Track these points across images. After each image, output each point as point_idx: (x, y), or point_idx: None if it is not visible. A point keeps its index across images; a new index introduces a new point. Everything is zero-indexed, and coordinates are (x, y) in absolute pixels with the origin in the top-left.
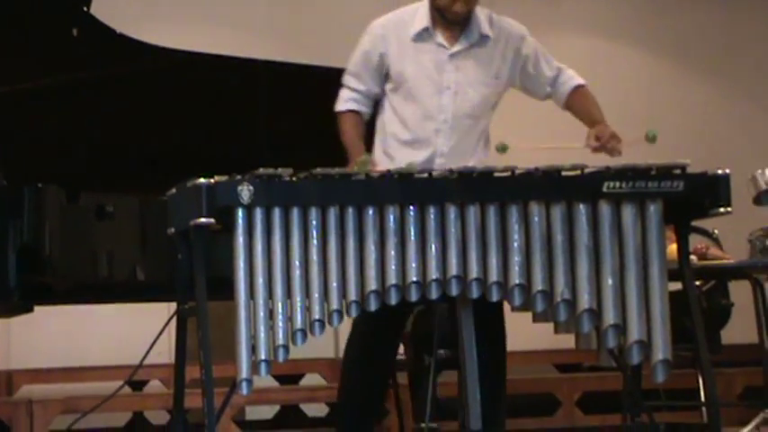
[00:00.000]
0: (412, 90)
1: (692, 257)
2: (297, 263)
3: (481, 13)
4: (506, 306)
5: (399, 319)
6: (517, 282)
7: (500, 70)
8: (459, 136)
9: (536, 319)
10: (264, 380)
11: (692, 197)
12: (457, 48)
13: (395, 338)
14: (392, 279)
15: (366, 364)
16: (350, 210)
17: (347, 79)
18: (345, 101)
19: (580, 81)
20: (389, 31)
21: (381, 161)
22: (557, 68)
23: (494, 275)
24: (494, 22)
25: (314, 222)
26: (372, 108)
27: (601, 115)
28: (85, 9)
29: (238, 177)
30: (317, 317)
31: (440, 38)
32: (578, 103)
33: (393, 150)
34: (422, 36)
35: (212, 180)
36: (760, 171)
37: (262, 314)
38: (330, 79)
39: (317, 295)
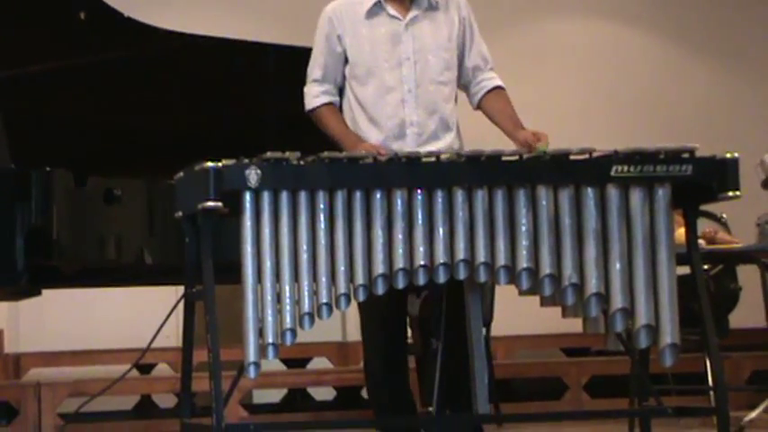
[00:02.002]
0: (371, 67)
1: (701, 241)
2: (304, 246)
3: None
4: (514, 290)
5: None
6: (525, 266)
7: (451, 35)
8: (426, 103)
9: (544, 303)
10: (272, 363)
11: (700, 181)
12: (410, 16)
13: (404, 318)
14: (400, 263)
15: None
16: (357, 193)
17: (313, 73)
18: (315, 96)
19: (502, 83)
20: (342, 12)
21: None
22: (487, 59)
23: (501, 259)
24: None
25: (321, 206)
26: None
27: (520, 121)
28: None
29: (246, 161)
30: (324, 300)
31: (391, 10)
32: (499, 106)
33: (363, 132)
34: (373, 12)
35: (220, 164)
36: None
37: (269, 298)
38: None
39: (324, 279)
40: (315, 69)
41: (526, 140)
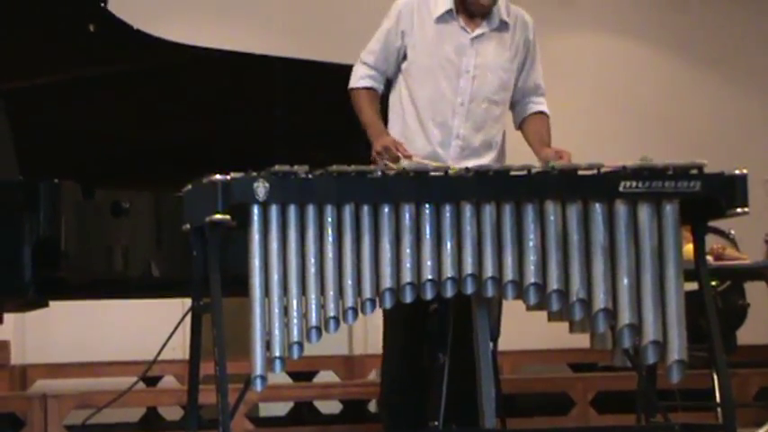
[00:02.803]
0: (431, 71)
1: (709, 258)
2: (312, 260)
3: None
4: (521, 305)
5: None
6: (533, 281)
7: (515, 55)
8: (476, 119)
9: (551, 318)
10: (278, 376)
11: (708, 197)
12: (478, 32)
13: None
14: (407, 277)
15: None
16: (365, 207)
17: (366, 56)
18: (362, 77)
19: (546, 110)
20: (413, 9)
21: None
22: (540, 85)
23: (509, 274)
24: (510, 8)
25: (329, 220)
26: (385, 87)
27: (548, 142)
28: (102, 5)
29: (254, 174)
30: (331, 314)
31: (462, 21)
32: (535, 129)
33: (411, 132)
34: (444, 18)
35: (228, 176)
36: None
37: (276, 311)
38: (346, 76)
39: (331, 293)
40: (368, 54)
41: (546, 158)
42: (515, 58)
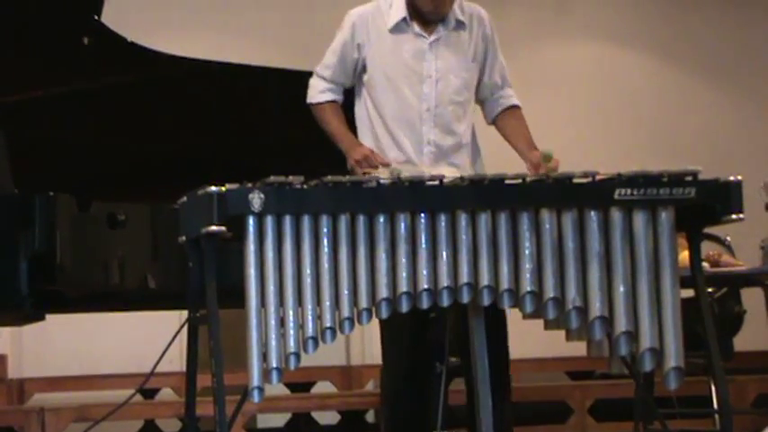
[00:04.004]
0: (392, 81)
1: (704, 264)
2: (308, 271)
3: None
4: (518, 313)
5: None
6: (529, 289)
7: (475, 53)
8: (443, 123)
9: (548, 326)
10: (276, 388)
11: (703, 204)
12: (435, 36)
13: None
14: (403, 287)
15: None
16: (361, 217)
17: (322, 71)
18: (321, 91)
19: (518, 102)
20: (367, 21)
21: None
22: (506, 77)
23: (505, 283)
24: (464, 7)
25: (325, 230)
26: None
27: (532, 141)
28: (96, 17)
29: (249, 185)
30: (328, 324)
31: (417, 27)
32: (513, 124)
33: (382, 144)
34: (399, 27)
35: (223, 188)
36: None
37: (273, 322)
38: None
39: (328, 303)
40: (325, 68)
41: (535, 161)
42: (476, 57)
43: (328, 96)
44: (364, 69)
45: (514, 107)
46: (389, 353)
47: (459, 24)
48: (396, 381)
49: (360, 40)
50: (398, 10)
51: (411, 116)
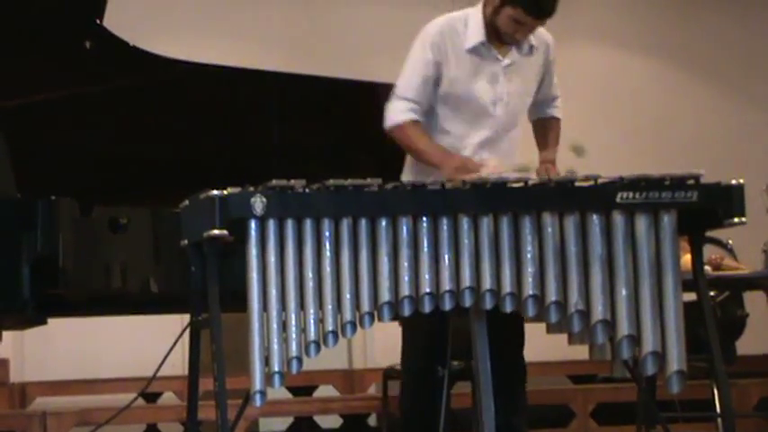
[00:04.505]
0: (467, 101)
1: (707, 268)
2: (310, 274)
3: None
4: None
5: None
6: (531, 293)
7: (538, 77)
8: (504, 144)
9: (550, 329)
10: (278, 391)
11: (706, 207)
12: (509, 60)
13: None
14: (405, 290)
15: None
16: (363, 221)
17: (405, 92)
18: (403, 111)
19: (559, 115)
20: (445, 39)
21: (433, 172)
22: (555, 92)
23: (507, 286)
24: (536, 31)
25: (327, 234)
26: None
27: (554, 152)
28: (98, 21)
29: (251, 189)
30: (330, 328)
31: (494, 50)
32: (546, 129)
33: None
34: (477, 49)
35: (225, 192)
36: None
37: (275, 326)
38: (341, 90)
39: (330, 307)
40: (407, 89)
41: (544, 161)
42: (537, 80)
43: (411, 116)
44: (438, 85)
45: (555, 118)
46: (404, 352)
47: (531, 50)
48: (409, 381)
49: (438, 59)
50: (477, 31)
51: (480, 134)
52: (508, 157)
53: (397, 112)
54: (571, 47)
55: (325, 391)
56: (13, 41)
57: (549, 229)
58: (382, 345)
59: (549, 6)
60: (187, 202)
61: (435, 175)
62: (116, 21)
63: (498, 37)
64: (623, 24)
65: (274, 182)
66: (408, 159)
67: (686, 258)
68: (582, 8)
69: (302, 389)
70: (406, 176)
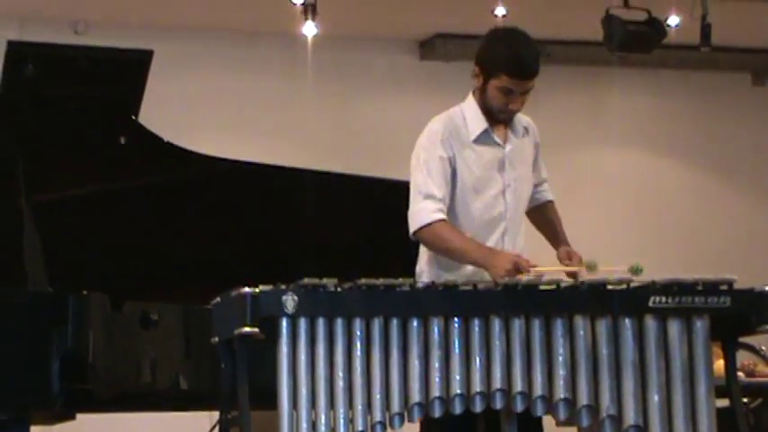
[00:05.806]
0: (477, 192)
1: (740, 374)
2: (340, 374)
3: None
4: (550, 420)
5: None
6: (562, 396)
7: (531, 160)
8: (515, 233)
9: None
10: None
11: (739, 313)
12: (510, 146)
13: None
14: (436, 391)
15: None
16: (394, 321)
17: (433, 190)
18: (433, 212)
19: (552, 197)
20: (452, 133)
21: (458, 268)
22: (544, 176)
23: (538, 389)
24: (519, 116)
25: (358, 333)
26: None
27: (565, 236)
28: (133, 117)
29: (283, 287)
30: (360, 428)
31: (496, 136)
32: (547, 217)
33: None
34: (481, 138)
35: (257, 289)
36: None
37: (305, 425)
38: (373, 189)
39: (360, 407)
40: (433, 187)
41: (565, 255)
42: (532, 163)
43: (440, 215)
44: (454, 179)
45: (549, 201)
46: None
47: (524, 131)
48: None
49: (450, 154)
50: (478, 121)
51: (498, 227)
52: (518, 240)
53: (426, 213)
54: (599, 150)
55: None
56: (49, 136)
57: (581, 333)
58: None
59: (531, 64)
60: (219, 299)
61: (460, 270)
62: (158, 118)
63: (494, 119)
64: (651, 128)
65: (306, 280)
66: (429, 256)
67: (719, 364)
68: (612, 113)
69: None
70: (427, 273)
